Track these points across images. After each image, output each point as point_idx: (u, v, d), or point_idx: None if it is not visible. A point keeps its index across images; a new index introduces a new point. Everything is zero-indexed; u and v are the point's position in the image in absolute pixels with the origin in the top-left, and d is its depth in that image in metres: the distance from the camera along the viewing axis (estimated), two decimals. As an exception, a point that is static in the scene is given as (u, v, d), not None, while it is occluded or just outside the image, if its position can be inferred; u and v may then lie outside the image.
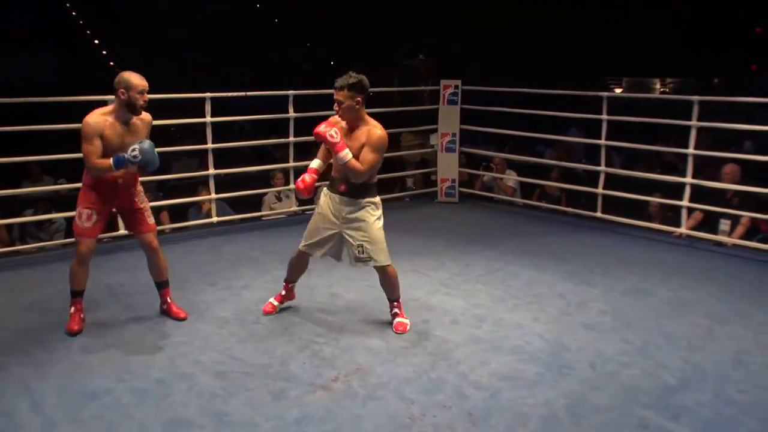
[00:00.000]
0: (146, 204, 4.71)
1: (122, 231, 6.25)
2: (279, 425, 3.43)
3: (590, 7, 19.20)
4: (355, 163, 4.24)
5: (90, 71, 19.89)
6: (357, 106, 4.25)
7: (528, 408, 3.59)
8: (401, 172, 9.00)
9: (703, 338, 4.49)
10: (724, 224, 6.67)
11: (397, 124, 8.72)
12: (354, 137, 4.30)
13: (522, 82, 9.70)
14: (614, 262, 6.11)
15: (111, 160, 4.24)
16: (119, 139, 4.33)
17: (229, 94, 7.38)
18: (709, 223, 6.85)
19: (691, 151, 6.68)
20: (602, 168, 7.37)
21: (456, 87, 8.36)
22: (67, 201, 6.07)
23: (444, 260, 6.11)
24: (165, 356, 4.18)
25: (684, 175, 6.80)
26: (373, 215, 4.42)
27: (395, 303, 4.66)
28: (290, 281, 4.90)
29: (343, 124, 4.34)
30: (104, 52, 24.60)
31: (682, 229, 6.83)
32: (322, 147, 4.54)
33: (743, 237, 6.56)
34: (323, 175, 4.58)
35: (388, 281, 4.59)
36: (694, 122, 6.63)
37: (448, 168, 8.56)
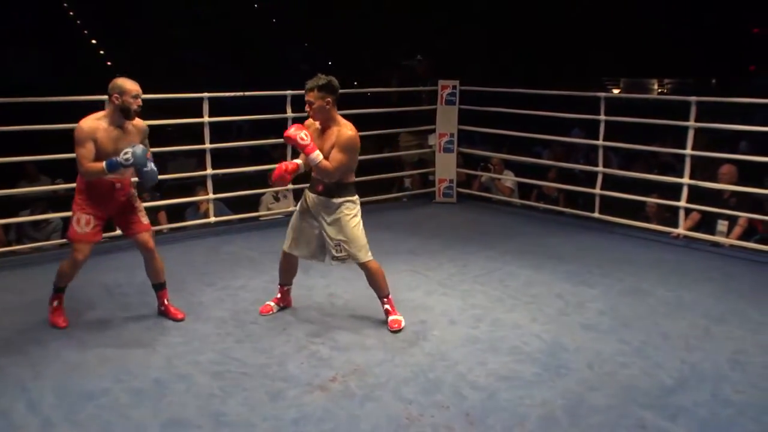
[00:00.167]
0: (140, 204, 4.74)
1: (119, 231, 6.24)
2: (276, 425, 3.42)
3: (589, 7, 19.21)
4: (325, 163, 4.33)
5: (87, 71, 19.87)
6: (327, 107, 4.33)
7: (526, 408, 3.59)
8: (399, 172, 9.01)
9: (700, 338, 4.49)
10: (722, 225, 6.67)
11: (395, 125, 8.72)
12: (325, 137, 4.39)
13: (519, 82, 9.71)
14: (612, 262, 6.11)
15: (104, 164, 4.26)
16: (113, 143, 4.35)
17: (227, 94, 7.38)
18: (706, 223, 6.86)
19: (688, 151, 6.68)
20: (600, 168, 7.37)
21: (454, 87, 8.36)
22: (65, 201, 6.05)
23: (442, 260, 6.11)
24: (162, 356, 4.18)
25: (681, 176, 6.81)
26: (349, 214, 4.50)
27: (385, 300, 4.67)
28: (284, 284, 4.93)
29: (317, 125, 4.43)
30: (102, 52, 24.59)
31: (680, 230, 6.83)
32: None
33: (741, 237, 6.57)
34: (305, 176, 4.65)
35: (373, 278, 4.62)
36: (691, 123, 6.63)
37: (445, 168, 8.56)
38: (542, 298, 5.19)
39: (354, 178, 4.57)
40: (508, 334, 4.52)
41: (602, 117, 7.23)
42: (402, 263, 6.00)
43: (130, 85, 4.35)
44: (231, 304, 5.02)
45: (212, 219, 7.11)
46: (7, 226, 7.33)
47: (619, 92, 21.48)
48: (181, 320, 4.72)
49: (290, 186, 7.49)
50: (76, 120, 4.40)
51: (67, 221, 5.35)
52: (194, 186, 7.67)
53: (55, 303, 4.64)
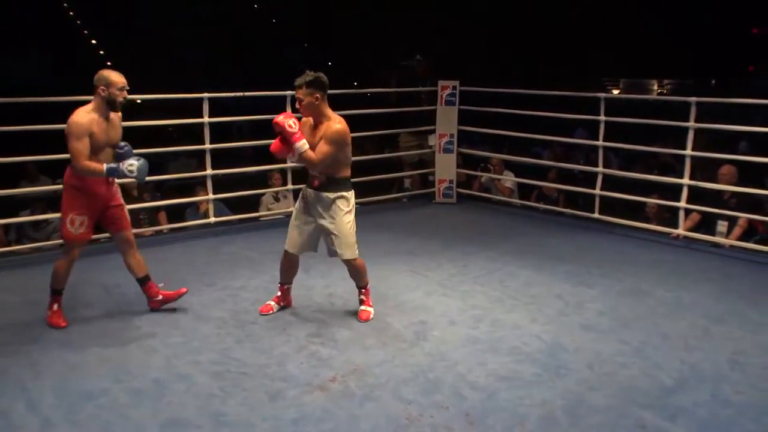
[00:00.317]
0: (122, 200, 4.80)
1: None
2: (276, 425, 3.42)
3: (589, 7, 19.21)
4: (310, 153, 4.40)
5: (87, 71, 19.85)
6: (317, 102, 4.41)
7: (525, 408, 3.59)
8: (399, 172, 9.01)
9: (700, 339, 4.49)
10: (722, 225, 6.67)
11: (395, 125, 8.72)
12: (317, 133, 4.48)
13: (519, 82, 9.71)
14: (612, 263, 6.12)
15: (104, 168, 4.34)
16: (105, 135, 4.46)
17: (227, 94, 7.38)
18: (706, 224, 6.86)
19: (688, 152, 6.68)
20: (600, 169, 7.38)
21: (454, 88, 8.36)
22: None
23: (441, 261, 6.11)
24: (162, 356, 4.18)
25: (681, 177, 6.81)
26: (343, 210, 4.57)
27: (363, 290, 4.81)
28: (284, 282, 4.95)
29: (311, 121, 4.53)
30: (101, 52, 24.60)
31: (680, 230, 6.83)
32: None
33: (740, 238, 6.56)
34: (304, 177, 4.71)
35: (356, 272, 4.76)
36: (691, 123, 6.63)
37: (445, 169, 8.56)
38: (542, 299, 5.19)
39: (348, 173, 4.64)
40: (507, 334, 4.52)
41: (602, 117, 7.23)
42: (402, 264, 6.00)
43: (115, 77, 4.45)
44: (231, 305, 5.02)
45: (212, 219, 7.11)
46: (7, 227, 7.34)
47: (619, 93, 21.48)
48: (185, 293, 4.87)
49: (290, 186, 7.50)
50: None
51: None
52: (194, 186, 7.68)
53: (55, 306, 4.64)
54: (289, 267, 4.88)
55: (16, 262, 6.13)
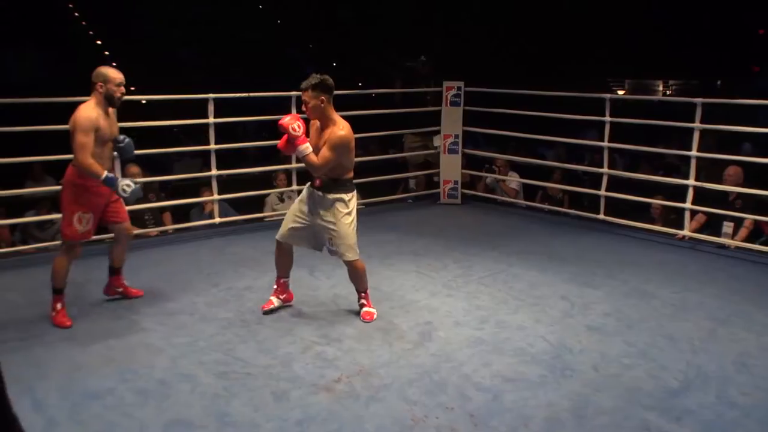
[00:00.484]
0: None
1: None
2: (281, 426, 3.42)
3: (593, 8, 19.17)
4: (312, 157, 4.46)
5: (91, 70, 19.86)
6: (322, 105, 4.46)
7: (530, 410, 3.59)
8: (404, 173, 9.01)
9: (705, 340, 4.49)
10: (727, 227, 6.66)
11: (399, 126, 8.72)
12: (323, 136, 4.53)
13: (523, 83, 9.69)
14: (617, 264, 6.11)
15: (104, 175, 4.43)
16: (108, 130, 4.57)
17: (233, 95, 7.38)
18: (712, 225, 6.85)
19: (694, 153, 6.67)
20: (605, 170, 7.37)
21: (459, 88, 8.36)
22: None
23: (446, 262, 6.11)
24: (167, 356, 4.19)
25: (687, 178, 6.79)
26: (343, 211, 4.60)
27: (362, 294, 4.83)
28: (281, 276, 4.97)
29: (317, 124, 4.57)
30: (107, 53, 24.63)
31: (685, 232, 6.82)
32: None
33: (746, 239, 6.56)
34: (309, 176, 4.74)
35: (356, 274, 4.78)
36: (697, 124, 6.62)
37: (450, 169, 8.56)
38: (547, 300, 5.18)
39: (351, 175, 4.67)
40: (512, 335, 4.52)
41: (607, 118, 7.23)
42: (407, 264, 6.00)
43: (113, 73, 4.54)
44: (236, 305, 5.02)
45: (217, 220, 7.12)
46: (12, 227, 7.35)
47: (624, 93, 21.44)
48: (141, 296, 4.98)
49: (295, 186, 7.50)
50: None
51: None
52: (199, 187, 7.68)
53: (58, 306, 4.65)
54: (282, 259, 4.91)
55: (21, 262, 6.15)
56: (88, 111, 4.44)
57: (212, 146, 6.93)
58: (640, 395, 3.75)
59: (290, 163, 7.52)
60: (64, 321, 4.60)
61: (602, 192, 7.34)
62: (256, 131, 12.01)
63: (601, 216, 7.34)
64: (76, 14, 24.51)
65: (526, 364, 4.11)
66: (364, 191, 8.52)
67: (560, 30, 19.29)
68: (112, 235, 5.03)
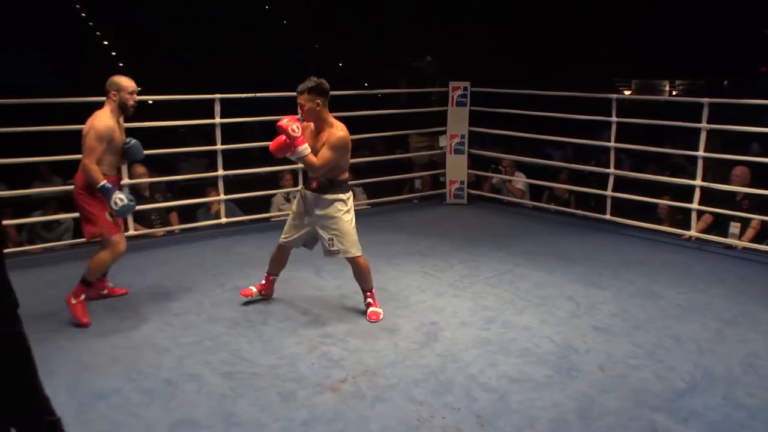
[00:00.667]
0: None
1: (131, 231, 6.30)
2: (287, 426, 3.43)
3: (600, 8, 19.14)
4: (312, 158, 4.54)
5: (99, 72, 19.93)
6: (318, 108, 4.54)
7: (537, 410, 3.58)
8: (410, 173, 9.01)
9: (712, 341, 4.47)
10: (734, 227, 6.64)
11: (405, 126, 8.71)
12: (319, 138, 4.61)
13: (529, 83, 9.68)
14: (623, 264, 6.09)
15: (102, 183, 4.52)
16: (120, 138, 4.69)
17: (239, 95, 7.39)
18: (718, 225, 6.83)
19: (701, 153, 6.65)
20: (611, 170, 7.35)
21: (465, 89, 8.35)
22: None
23: (452, 262, 6.10)
24: (173, 356, 4.19)
25: (693, 178, 6.78)
26: (341, 210, 4.68)
27: (368, 294, 4.87)
28: (271, 273, 5.10)
29: (312, 126, 4.64)
30: (114, 54, 24.69)
31: (692, 232, 6.80)
32: None
33: (753, 240, 6.53)
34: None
35: (360, 272, 4.83)
36: (703, 124, 6.60)
37: (456, 170, 8.55)
38: (553, 300, 5.17)
39: (347, 176, 4.74)
40: (519, 335, 4.52)
41: (614, 119, 7.21)
42: (413, 264, 6.00)
43: (126, 81, 4.66)
44: (242, 305, 5.02)
45: (223, 220, 7.13)
46: (19, 227, 7.37)
47: (631, 94, 21.40)
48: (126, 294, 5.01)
49: (300, 187, 7.48)
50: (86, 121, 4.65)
51: (78, 221, 5.40)
52: (206, 187, 7.70)
53: (82, 297, 4.66)
54: (278, 259, 5.04)
55: (27, 262, 6.16)
56: (107, 119, 4.57)
57: (219, 146, 6.94)
58: (647, 396, 3.74)
59: (296, 163, 7.51)
60: (83, 317, 4.62)
61: (609, 192, 7.32)
62: (262, 131, 12.01)
63: (608, 216, 7.32)
64: (83, 15, 24.56)
65: (533, 365, 4.10)
66: (370, 191, 8.54)
67: (567, 30, 19.26)
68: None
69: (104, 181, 4.51)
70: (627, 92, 21.72)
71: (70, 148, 6.22)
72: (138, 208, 5.96)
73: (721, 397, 3.75)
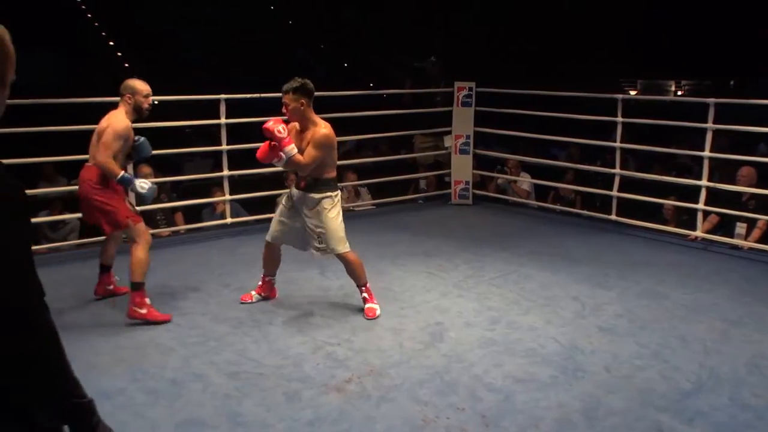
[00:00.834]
0: None
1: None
2: (292, 426, 3.43)
3: (606, 8, 19.13)
4: (299, 157, 4.59)
5: (105, 72, 20.00)
6: (302, 108, 4.60)
7: (542, 411, 3.58)
8: (414, 174, 9.01)
9: (718, 342, 4.46)
10: (740, 227, 6.63)
11: (410, 126, 8.71)
12: (304, 137, 4.67)
13: (535, 83, 9.67)
14: (629, 264, 6.08)
15: (120, 174, 4.55)
16: (132, 139, 4.75)
17: (244, 95, 7.39)
18: (724, 226, 6.81)
19: (707, 153, 6.64)
20: (617, 170, 7.34)
21: (470, 89, 8.34)
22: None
23: (457, 262, 6.10)
24: (179, 356, 4.20)
25: (699, 178, 6.76)
26: (328, 207, 4.71)
27: (363, 289, 4.90)
28: (267, 275, 5.12)
29: (297, 126, 4.70)
30: (119, 54, 24.76)
31: (698, 232, 6.79)
32: None
33: (759, 240, 6.52)
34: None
35: (351, 268, 4.86)
36: (709, 125, 6.59)
37: (461, 170, 8.54)
38: (558, 301, 5.17)
39: (334, 174, 4.78)
40: (524, 336, 4.51)
41: (619, 119, 7.20)
42: (418, 265, 6.00)
43: (140, 85, 4.71)
44: (247, 305, 5.03)
45: (229, 220, 7.14)
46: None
47: (636, 94, 21.37)
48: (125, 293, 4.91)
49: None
50: (94, 121, 4.77)
51: (83, 221, 5.42)
52: (211, 187, 7.70)
53: (148, 300, 4.65)
54: (270, 259, 5.07)
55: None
56: (122, 121, 4.61)
57: (224, 146, 6.95)
58: (652, 396, 3.73)
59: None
60: (158, 315, 4.65)
61: (614, 192, 7.31)
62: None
63: (613, 217, 7.31)
64: (89, 15, 24.63)
65: (538, 365, 4.09)
66: (374, 192, 8.55)
67: (567, 30, 19.26)
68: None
69: (122, 172, 4.56)
70: (632, 92, 21.70)
71: (74, 148, 6.24)
72: (143, 208, 5.98)
73: (727, 397, 3.74)
